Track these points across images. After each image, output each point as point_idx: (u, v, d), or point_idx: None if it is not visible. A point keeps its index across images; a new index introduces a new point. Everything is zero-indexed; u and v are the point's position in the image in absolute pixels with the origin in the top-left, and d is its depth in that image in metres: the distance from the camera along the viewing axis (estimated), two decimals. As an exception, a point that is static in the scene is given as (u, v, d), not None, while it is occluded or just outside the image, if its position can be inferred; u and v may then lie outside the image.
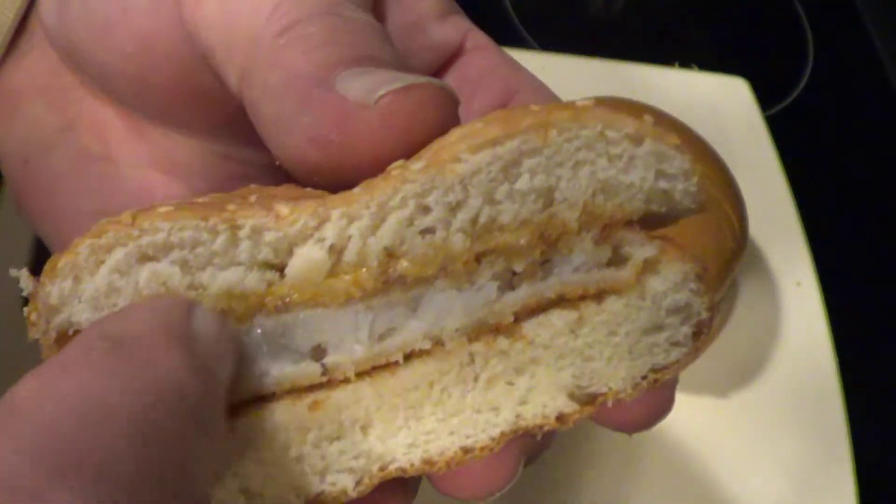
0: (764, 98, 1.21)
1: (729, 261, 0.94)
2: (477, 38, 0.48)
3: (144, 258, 0.36)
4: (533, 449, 0.41)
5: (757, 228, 1.02)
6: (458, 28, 0.48)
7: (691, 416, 0.98)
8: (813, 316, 1.05)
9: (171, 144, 0.48)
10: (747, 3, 1.52)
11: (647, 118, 0.38)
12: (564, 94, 1.18)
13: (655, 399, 0.41)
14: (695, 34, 1.46)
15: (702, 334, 0.40)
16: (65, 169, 0.47)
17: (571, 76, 1.15)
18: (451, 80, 0.47)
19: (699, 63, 1.33)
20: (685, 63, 1.34)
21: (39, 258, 1.06)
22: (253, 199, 0.37)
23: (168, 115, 0.46)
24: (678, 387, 1.09)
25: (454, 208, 0.36)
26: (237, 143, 0.47)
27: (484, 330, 0.38)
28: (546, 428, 0.39)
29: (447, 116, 0.37)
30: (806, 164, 1.21)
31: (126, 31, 0.42)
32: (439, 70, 0.47)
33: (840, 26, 1.50)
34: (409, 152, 0.37)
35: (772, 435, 0.98)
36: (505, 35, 1.28)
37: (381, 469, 0.38)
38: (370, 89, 0.35)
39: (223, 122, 0.45)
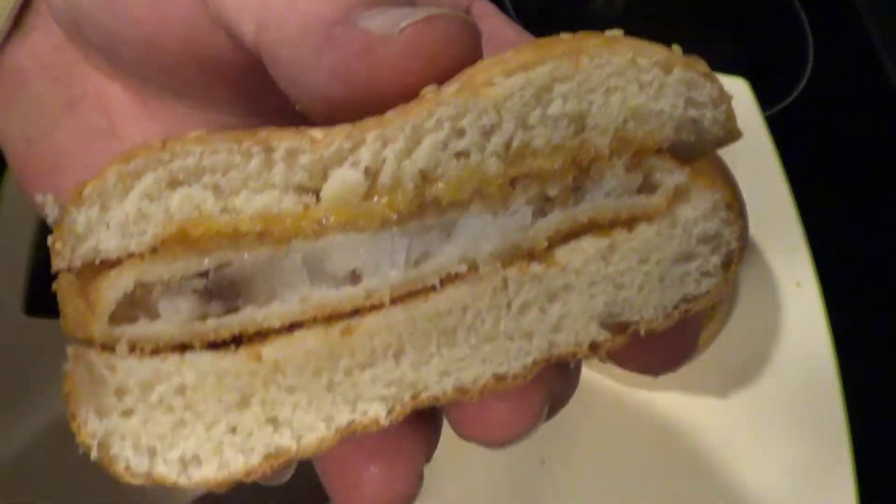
0: (764, 98, 1.21)
1: (729, 261, 0.94)
2: (483, 7, 0.49)
3: (175, 183, 0.35)
4: (558, 392, 0.41)
5: (757, 228, 1.02)
6: None
7: (691, 416, 0.98)
8: (813, 316, 1.05)
9: (176, 119, 0.48)
10: (747, 3, 1.52)
11: (676, 47, 0.39)
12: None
13: (681, 340, 0.41)
14: (695, 34, 1.46)
15: (732, 265, 0.40)
16: (69, 146, 0.47)
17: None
18: None
19: (699, 63, 1.33)
20: (685, 63, 1.33)
21: (40, 258, 1.06)
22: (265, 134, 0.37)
23: (175, 83, 0.46)
24: (678, 387, 1.09)
25: (488, 132, 0.37)
26: (243, 115, 0.47)
27: (517, 255, 0.38)
28: (579, 356, 0.39)
29: (471, 47, 0.38)
30: (806, 164, 1.21)
31: None
32: None
33: (840, 26, 1.50)
34: (435, 82, 0.37)
35: (772, 435, 0.98)
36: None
37: (414, 397, 0.37)
38: (393, 22, 0.36)
39: (230, 90, 0.45)
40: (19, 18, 0.47)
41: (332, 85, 0.37)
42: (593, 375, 0.99)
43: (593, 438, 0.97)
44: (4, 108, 0.48)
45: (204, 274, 0.36)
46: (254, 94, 0.40)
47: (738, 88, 1.21)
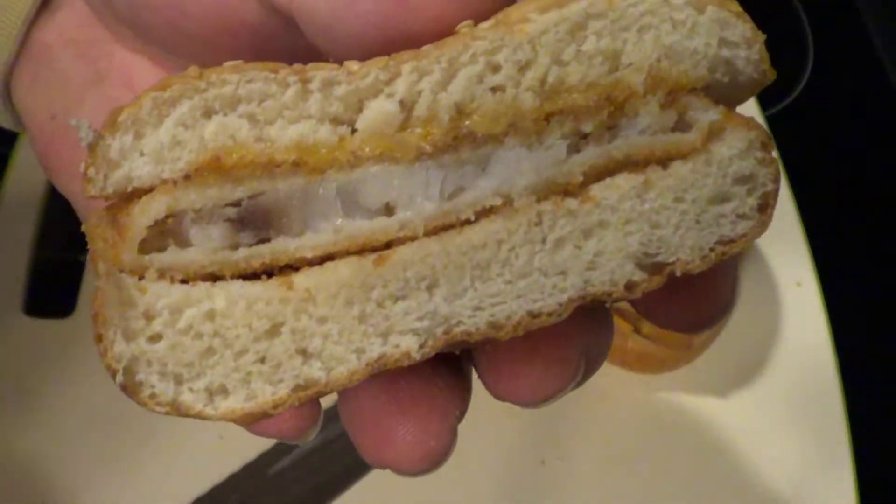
0: (764, 98, 1.21)
1: (729, 261, 0.94)
2: None
3: (211, 111, 0.36)
4: (592, 347, 0.40)
5: (757, 228, 1.02)
6: None
7: (691, 416, 0.98)
8: (813, 316, 1.05)
9: None
10: (747, 3, 1.52)
11: None
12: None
13: (718, 292, 0.41)
14: None
15: (768, 207, 0.40)
16: (94, 122, 0.47)
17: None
18: None
19: (699, 63, 1.33)
20: (685, 63, 1.33)
21: (40, 258, 1.06)
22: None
23: (202, 54, 0.45)
24: (678, 386, 1.09)
25: (523, 67, 0.37)
26: None
27: (553, 190, 0.38)
28: (615, 295, 0.39)
29: None
30: (806, 164, 1.21)
31: None
32: None
33: (840, 26, 1.50)
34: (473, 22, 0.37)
35: (772, 435, 0.98)
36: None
37: (446, 332, 0.37)
38: None
39: (257, 56, 0.45)
40: None
41: (368, 31, 0.37)
42: (594, 376, 0.99)
43: (593, 438, 0.97)
44: (30, 85, 0.48)
45: (237, 203, 0.36)
46: (288, 63, 0.40)
47: (738, 88, 1.21)
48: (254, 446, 0.92)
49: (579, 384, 0.41)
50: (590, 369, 0.41)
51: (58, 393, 0.95)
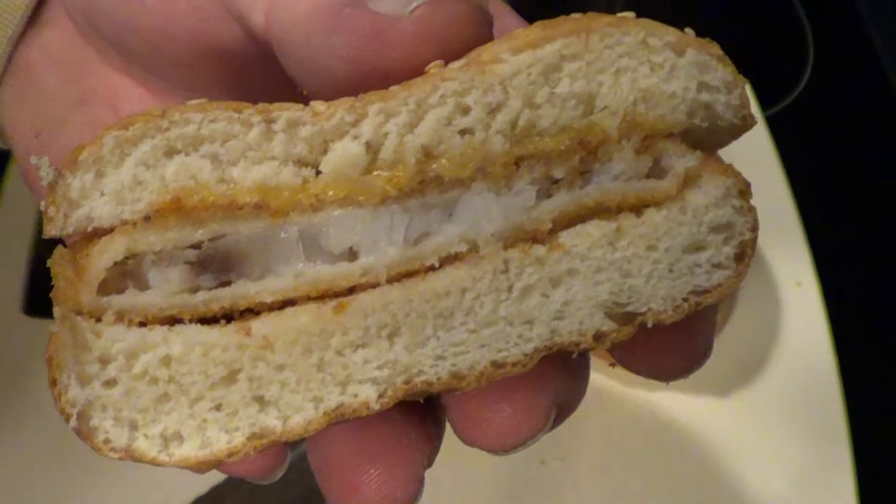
0: (764, 98, 1.21)
1: (729, 261, 0.94)
2: (498, 6, 0.49)
3: (172, 151, 0.35)
4: (565, 396, 0.40)
5: (757, 228, 1.02)
6: None
7: (691, 416, 0.98)
8: (813, 316, 1.05)
9: None
10: (747, 3, 1.52)
11: (689, 30, 0.38)
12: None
13: (693, 342, 0.40)
14: (695, 34, 1.45)
15: (745, 257, 0.39)
16: (78, 141, 0.48)
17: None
18: None
19: (699, 63, 1.33)
20: (685, 63, 1.33)
21: (40, 258, 1.06)
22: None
23: (186, 77, 0.46)
24: (678, 387, 1.09)
25: (494, 109, 0.36)
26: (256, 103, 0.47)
27: (520, 237, 0.37)
28: (583, 346, 0.38)
29: (481, 31, 0.37)
30: (806, 164, 1.21)
31: None
32: None
33: (840, 26, 1.50)
34: (445, 62, 0.37)
35: (772, 435, 0.98)
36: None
37: (407, 382, 0.36)
38: (403, 4, 0.36)
39: (241, 84, 0.45)
40: (33, 15, 0.47)
41: (340, 66, 0.36)
42: (593, 376, 0.99)
43: (593, 438, 0.97)
44: (15, 102, 0.48)
45: (197, 245, 0.36)
46: (265, 88, 0.40)
47: (738, 88, 1.21)
48: (254, 446, 0.92)
49: (550, 430, 0.40)
50: (561, 416, 0.40)
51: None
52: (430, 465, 0.40)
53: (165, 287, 0.35)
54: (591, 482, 0.94)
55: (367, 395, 0.36)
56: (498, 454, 0.39)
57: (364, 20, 0.36)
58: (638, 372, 0.40)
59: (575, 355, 0.38)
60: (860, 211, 1.31)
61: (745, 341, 1.03)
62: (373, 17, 0.36)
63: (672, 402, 0.99)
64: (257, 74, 0.41)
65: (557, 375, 0.39)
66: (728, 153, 1.15)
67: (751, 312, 1.05)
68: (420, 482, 0.39)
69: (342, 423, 0.37)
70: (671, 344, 0.39)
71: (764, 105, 1.21)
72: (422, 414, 0.40)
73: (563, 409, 0.40)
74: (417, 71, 0.36)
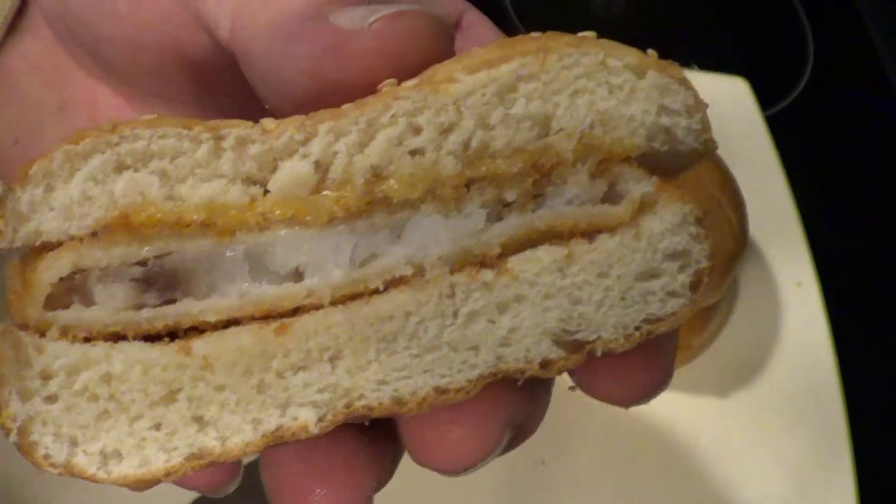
0: (764, 98, 1.21)
1: (729, 261, 0.94)
2: (473, 17, 0.48)
3: (122, 167, 0.34)
4: (521, 418, 0.39)
5: (757, 228, 1.02)
6: (457, 6, 0.48)
7: (691, 416, 0.98)
8: (813, 316, 1.05)
9: None
10: (747, 3, 1.52)
11: (652, 52, 0.37)
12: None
13: (653, 369, 0.39)
14: (695, 34, 1.46)
15: (700, 285, 0.38)
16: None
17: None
18: None
19: (699, 63, 1.33)
20: (685, 63, 1.34)
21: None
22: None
23: (160, 86, 0.46)
24: (678, 386, 1.09)
25: (446, 130, 0.35)
26: (230, 114, 0.48)
27: (468, 261, 0.36)
28: (529, 373, 0.37)
29: (441, 46, 0.37)
30: (806, 164, 1.21)
31: None
32: None
33: (840, 26, 1.50)
34: (404, 78, 0.36)
35: (772, 435, 0.98)
36: (505, 35, 1.28)
37: (347, 406, 0.36)
38: (362, 18, 0.36)
39: (215, 93, 0.45)
40: (13, 22, 0.47)
41: (300, 80, 0.36)
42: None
43: (593, 438, 0.97)
44: None
45: (143, 262, 0.35)
46: (236, 99, 0.40)
47: (738, 88, 1.21)
48: (254, 446, 0.92)
49: (505, 451, 0.40)
50: (520, 438, 0.40)
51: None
52: (381, 486, 0.40)
53: (110, 303, 0.35)
54: (591, 482, 0.94)
55: (306, 419, 0.36)
56: (449, 475, 0.38)
57: (324, 34, 0.36)
58: (595, 396, 0.39)
59: (520, 382, 0.38)
60: (860, 211, 1.31)
61: (745, 341, 1.03)
62: (332, 30, 0.36)
63: (672, 402, 0.99)
64: (228, 85, 0.41)
65: (512, 398, 0.38)
66: (728, 153, 1.15)
67: (751, 312, 1.05)
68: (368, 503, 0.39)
69: (284, 444, 0.37)
70: (631, 370, 0.38)
71: (764, 105, 1.21)
72: (374, 435, 0.39)
73: (520, 431, 0.39)
74: (376, 87, 0.36)
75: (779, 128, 1.18)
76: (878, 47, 1.48)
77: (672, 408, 0.99)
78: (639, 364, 0.38)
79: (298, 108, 0.37)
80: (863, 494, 0.94)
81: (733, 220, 0.95)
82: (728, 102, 1.20)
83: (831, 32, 1.46)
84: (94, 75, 0.48)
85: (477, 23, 0.48)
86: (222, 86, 0.42)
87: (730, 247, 0.94)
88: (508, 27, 1.31)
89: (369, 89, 0.36)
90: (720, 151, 1.16)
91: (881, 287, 1.24)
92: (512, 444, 0.40)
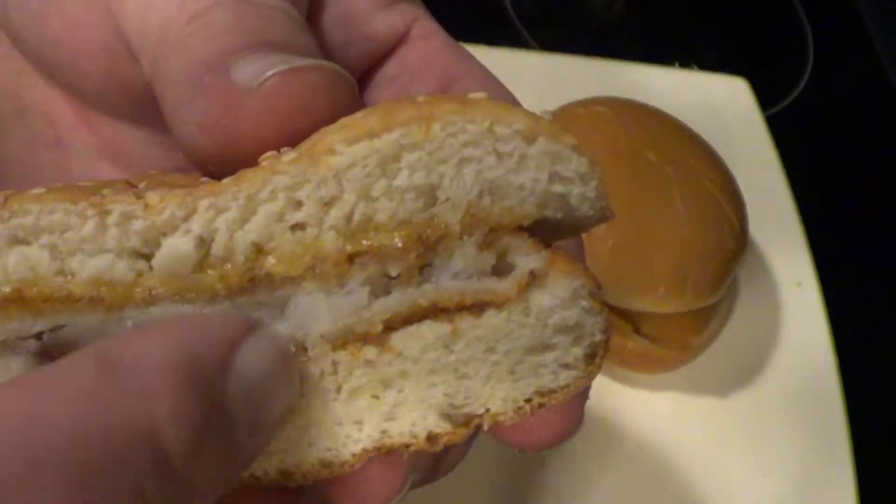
0: (764, 98, 1.22)
1: (729, 261, 0.94)
2: (424, 26, 0.46)
3: (15, 241, 0.34)
4: (424, 468, 0.39)
5: (757, 228, 1.02)
6: (405, 16, 0.45)
7: (691, 416, 0.98)
8: (813, 316, 1.05)
9: (117, 134, 0.47)
10: (747, 3, 1.52)
11: (545, 114, 0.36)
12: (564, 94, 1.18)
13: (561, 418, 0.39)
14: (695, 34, 1.46)
15: (597, 356, 0.37)
16: (17, 155, 0.47)
17: (571, 76, 1.15)
18: (391, 68, 0.46)
19: (699, 63, 1.33)
20: (685, 63, 1.34)
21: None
22: (143, 185, 0.36)
23: (106, 103, 0.45)
24: (677, 386, 1.09)
25: (327, 203, 0.34)
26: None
27: (351, 337, 0.36)
28: (413, 448, 0.36)
29: (339, 101, 0.36)
30: (806, 164, 1.21)
31: (57, 18, 0.42)
32: (381, 59, 0.46)
33: (840, 26, 1.50)
34: (300, 138, 0.35)
35: (772, 435, 0.98)
36: (505, 35, 1.28)
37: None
38: (258, 73, 0.34)
39: (156, 117, 0.46)
40: None
41: (199, 137, 0.36)
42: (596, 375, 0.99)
43: (593, 439, 0.97)
44: None
45: (38, 336, 0.35)
46: None
47: (738, 88, 1.21)
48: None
49: (424, 484, 0.40)
50: (437, 474, 0.41)
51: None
52: None
53: (6, 376, 0.35)
54: (590, 482, 0.95)
55: None
56: None
57: (220, 90, 0.35)
58: (503, 443, 0.39)
59: (405, 457, 0.37)
60: (860, 211, 1.31)
61: (745, 341, 1.03)
62: (228, 88, 0.35)
63: (672, 402, 0.99)
64: None
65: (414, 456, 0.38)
66: (728, 153, 1.14)
67: (751, 312, 1.05)
68: None
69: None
70: (543, 418, 0.38)
71: (764, 105, 1.21)
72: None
73: (436, 468, 0.40)
74: (271, 146, 0.35)
75: (779, 128, 1.18)
76: (878, 47, 1.48)
77: (672, 408, 0.99)
78: (549, 413, 0.38)
79: (203, 159, 0.37)
80: (863, 494, 0.94)
81: (733, 220, 0.95)
82: (728, 102, 1.20)
83: (831, 32, 1.46)
84: (50, 84, 0.47)
85: (426, 34, 0.46)
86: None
87: (730, 247, 0.94)
88: (508, 28, 1.31)
89: (266, 147, 0.35)
90: (720, 151, 1.16)
91: (881, 287, 1.24)
92: (431, 480, 0.41)
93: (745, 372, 1.02)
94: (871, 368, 1.13)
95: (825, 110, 1.38)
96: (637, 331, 0.95)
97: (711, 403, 1.00)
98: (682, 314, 0.93)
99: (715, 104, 1.19)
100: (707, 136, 1.02)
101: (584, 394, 0.39)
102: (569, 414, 0.39)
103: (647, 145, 0.96)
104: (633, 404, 0.99)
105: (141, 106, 0.43)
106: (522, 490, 0.94)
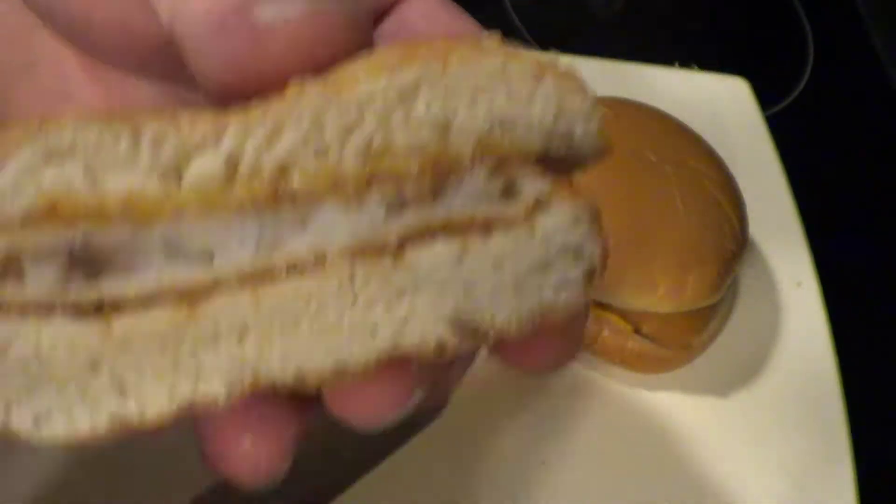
0: (764, 98, 1.22)
1: (729, 261, 0.94)
2: None
3: (51, 158, 0.36)
4: (431, 379, 0.41)
5: (757, 228, 1.02)
6: None
7: (691, 416, 0.99)
8: (813, 316, 1.05)
9: (128, 88, 0.47)
10: (747, 3, 1.52)
11: (553, 56, 0.38)
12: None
13: (563, 341, 0.41)
14: (695, 34, 1.46)
15: (593, 279, 0.39)
16: (28, 107, 0.47)
17: (571, 76, 1.15)
18: (390, 24, 0.46)
19: (699, 63, 1.33)
20: (685, 63, 1.34)
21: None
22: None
23: (117, 56, 0.46)
24: (677, 386, 1.09)
25: (349, 130, 0.37)
26: (191, 87, 0.48)
27: (368, 251, 0.38)
28: (424, 355, 0.38)
29: (358, 39, 0.38)
30: (806, 164, 1.21)
31: None
32: (380, 17, 0.47)
33: (840, 26, 1.50)
34: (323, 73, 0.37)
35: (772, 435, 0.98)
36: (505, 34, 1.28)
37: (253, 381, 0.38)
38: (281, 13, 0.36)
39: (172, 65, 0.46)
40: None
41: (225, 75, 0.37)
42: (594, 376, 0.99)
43: (594, 439, 0.97)
44: None
45: (70, 244, 0.37)
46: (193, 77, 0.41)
47: (738, 88, 1.21)
48: (254, 446, 0.92)
49: (421, 407, 0.41)
50: (437, 396, 0.42)
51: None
52: (303, 435, 0.42)
53: (39, 282, 0.37)
54: (591, 482, 0.95)
55: (215, 392, 0.38)
56: (363, 429, 0.40)
57: (245, 28, 0.36)
58: (511, 366, 0.41)
59: (415, 365, 0.39)
60: (860, 211, 1.31)
61: (745, 341, 1.03)
62: (251, 25, 0.36)
63: (672, 402, 0.99)
64: (184, 66, 0.42)
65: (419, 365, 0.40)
66: (728, 153, 1.15)
67: (751, 312, 1.05)
68: (286, 454, 0.41)
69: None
70: (543, 338, 0.40)
71: (764, 105, 1.21)
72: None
73: (438, 387, 0.41)
74: (300, 79, 0.37)
75: (779, 128, 1.18)
76: (878, 47, 1.48)
77: (672, 408, 0.99)
78: (549, 334, 0.40)
79: (228, 98, 0.38)
80: (863, 494, 0.94)
81: (733, 220, 0.95)
82: (728, 102, 1.20)
83: (831, 32, 1.46)
84: (58, 36, 0.47)
85: None
86: (180, 64, 0.43)
87: (730, 247, 0.94)
88: (508, 28, 1.31)
89: (294, 81, 0.37)
90: (720, 151, 1.16)
91: (881, 287, 1.24)
92: (430, 402, 0.41)
93: (745, 372, 1.02)
94: (871, 368, 1.13)
95: (825, 110, 1.38)
96: (637, 331, 0.96)
97: (711, 403, 1.00)
98: (682, 314, 0.94)
99: (715, 104, 1.19)
100: (707, 136, 1.02)
101: (582, 320, 0.42)
102: (570, 337, 0.42)
103: (647, 145, 0.96)
104: (632, 404, 0.99)
105: (153, 59, 0.44)
106: (523, 490, 0.94)
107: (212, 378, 0.38)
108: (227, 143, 0.37)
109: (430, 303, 0.38)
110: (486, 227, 0.39)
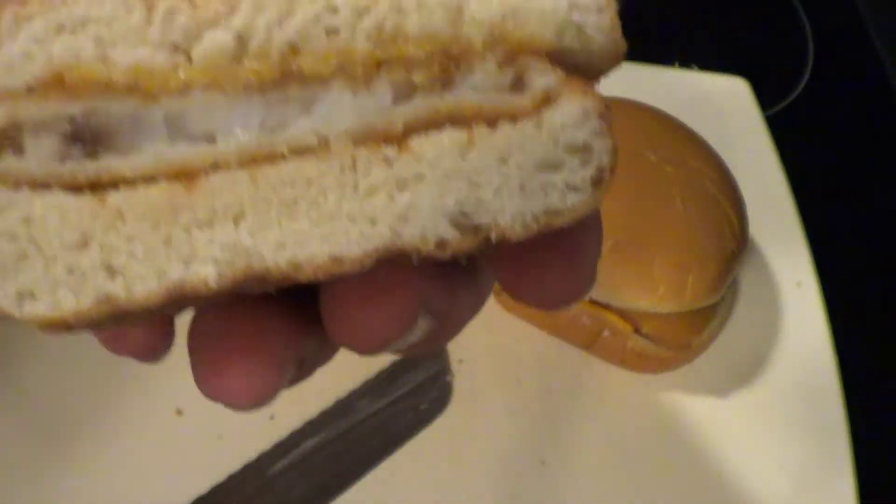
0: (764, 98, 1.22)
1: (729, 261, 0.94)
2: None
3: (62, 29, 0.36)
4: (437, 305, 0.40)
5: (757, 228, 1.02)
6: None
7: (691, 416, 0.98)
8: (813, 316, 1.05)
9: None
10: (747, 3, 1.52)
11: None
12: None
13: (575, 274, 0.40)
14: (695, 34, 1.46)
15: (603, 182, 0.38)
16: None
17: (571, 76, 1.15)
18: None
19: (699, 63, 1.33)
20: (685, 63, 1.34)
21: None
22: None
23: None
24: (678, 386, 1.09)
25: (361, 12, 0.37)
26: None
27: (372, 136, 0.37)
28: (425, 252, 0.37)
29: None
30: (806, 164, 1.21)
31: None
32: None
33: (840, 26, 1.50)
34: None
35: (772, 435, 0.98)
36: None
37: (246, 265, 0.37)
38: None
39: None
40: None
41: None
42: (594, 376, 0.99)
43: (593, 439, 0.97)
44: None
45: (72, 119, 0.37)
46: None
47: (738, 88, 1.21)
48: (254, 446, 0.92)
49: (429, 345, 0.40)
50: (448, 329, 0.41)
51: (55, 388, 0.95)
52: (299, 356, 0.40)
53: (38, 153, 0.37)
54: (591, 482, 0.95)
55: (206, 274, 0.37)
56: (365, 355, 0.39)
57: None
58: (521, 298, 0.40)
59: (415, 261, 0.38)
60: (860, 211, 1.31)
61: (745, 341, 1.03)
62: None
63: (672, 402, 0.99)
64: None
65: (426, 283, 0.39)
66: (728, 153, 1.14)
67: (751, 312, 1.05)
68: (280, 376, 0.39)
69: (188, 304, 0.38)
70: (556, 269, 0.39)
71: (764, 105, 1.21)
72: (295, 313, 0.40)
73: (445, 320, 0.40)
74: None
75: (779, 128, 1.18)
76: (878, 47, 1.48)
77: (672, 408, 0.99)
78: (564, 263, 0.39)
79: None
80: (863, 494, 0.94)
81: (733, 220, 0.95)
82: (728, 102, 1.20)
83: (831, 32, 1.46)
84: None
85: None
86: None
87: (730, 247, 0.94)
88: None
89: None
90: (720, 151, 1.16)
91: (881, 287, 1.24)
92: (442, 336, 0.41)
93: (745, 372, 1.02)
94: (871, 368, 1.13)
95: (825, 110, 1.38)
96: (637, 331, 0.96)
97: (711, 403, 0.99)
98: (682, 314, 0.93)
99: (715, 104, 1.19)
100: (707, 136, 1.02)
101: (594, 246, 0.41)
102: (583, 270, 0.40)
103: (647, 145, 0.96)
104: (633, 404, 0.99)
105: None
106: (522, 490, 0.94)
107: (203, 260, 0.37)
108: (239, 19, 0.37)
109: (433, 195, 0.38)
110: (493, 119, 0.38)
